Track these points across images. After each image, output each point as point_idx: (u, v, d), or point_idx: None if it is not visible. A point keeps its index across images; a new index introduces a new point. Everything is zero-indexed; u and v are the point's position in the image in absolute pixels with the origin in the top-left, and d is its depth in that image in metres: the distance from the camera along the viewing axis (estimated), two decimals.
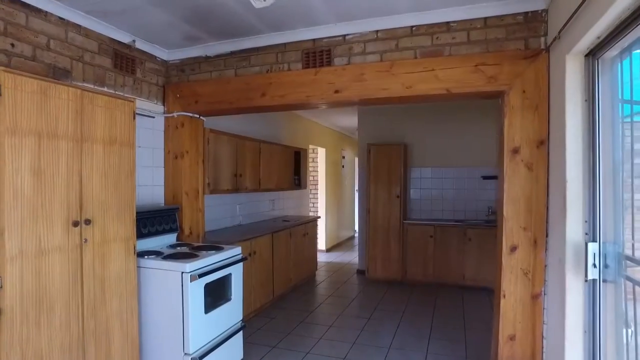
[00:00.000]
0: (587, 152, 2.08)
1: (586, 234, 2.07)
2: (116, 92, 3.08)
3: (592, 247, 1.97)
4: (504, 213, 2.65)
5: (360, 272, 6.42)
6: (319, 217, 6.69)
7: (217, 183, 4.11)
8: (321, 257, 7.67)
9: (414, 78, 2.85)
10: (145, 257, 2.78)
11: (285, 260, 5.14)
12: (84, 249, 2.20)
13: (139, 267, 2.69)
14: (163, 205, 3.63)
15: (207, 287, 2.78)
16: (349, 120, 7.94)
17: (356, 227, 10.57)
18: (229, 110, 3.52)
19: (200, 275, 2.63)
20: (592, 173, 2.04)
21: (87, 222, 2.22)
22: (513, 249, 2.63)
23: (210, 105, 3.50)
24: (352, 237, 10.38)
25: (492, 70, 2.67)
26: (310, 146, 7.90)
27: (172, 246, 3.24)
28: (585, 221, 2.08)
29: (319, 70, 3.11)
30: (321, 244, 8.35)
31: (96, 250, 2.28)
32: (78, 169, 2.17)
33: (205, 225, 4.36)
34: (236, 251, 3.22)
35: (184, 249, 3.13)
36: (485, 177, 5.81)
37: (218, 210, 4.71)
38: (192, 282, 2.59)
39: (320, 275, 6.38)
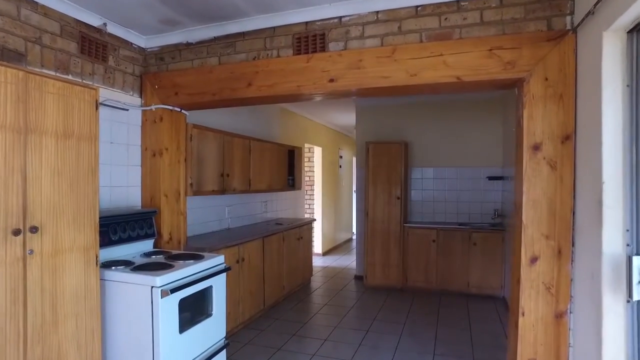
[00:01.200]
0: (629, 147, 1.74)
1: (628, 245, 1.73)
2: (84, 81, 2.73)
3: (638, 261, 1.63)
4: (523, 219, 2.31)
5: (358, 278, 6.08)
6: (315, 219, 6.34)
7: (201, 184, 3.76)
8: (317, 262, 7.32)
9: (419, 65, 2.51)
10: (113, 268, 2.42)
11: (277, 267, 4.79)
12: (29, 262, 1.84)
13: (103, 280, 2.34)
14: (140, 208, 3.28)
15: (183, 302, 2.43)
16: (346, 117, 7.59)
17: (354, 230, 10.23)
18: (212, 103, 3.17)
19: (173, 290, 2.28)
20: (636, 172, 1.71)
21: (33, 229, 1.86)
22: (533, 260, 2.29)
23: (191, 97, 3.15)
24: (350, 240, 10.04)
25: (510, 55, 2.33)
26: (306, 145, 7.55)
27: (147, 254, 2.89)
28: (627, 230, 1.73)
29: (311, 56, 2.77)
30: (317, 247, 8.00)
31: (45, 263, 1.93)
32: (21, 166, 1.82)
33: (190, 230, 4.02)
34: (218, 260, 2.86)
35: (159, 258, 2.78)
36: (490, 178, 5.48)
37: (204, 213, 4.35)
38: (164, 299, 2.23)
39: (316, 281, 6.03)
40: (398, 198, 5.42)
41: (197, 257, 2.78)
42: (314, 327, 4.16)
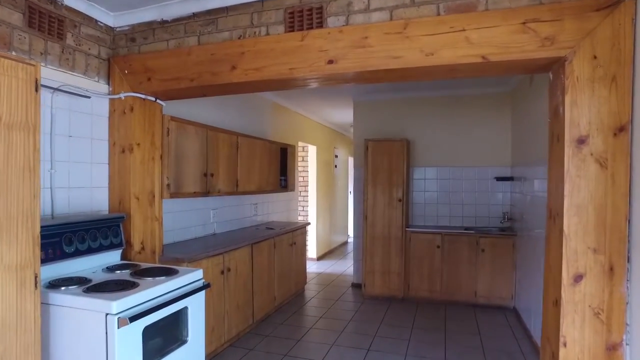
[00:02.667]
0: None
1: None
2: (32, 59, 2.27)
3: None
4: (564, 228, 1.89)
5: (356, 286, 5.65)
6: (309, 223, 5.90)
7: (180, 184, 3.30)
8: (312, 267, 6.88)
9: (436, 42, 2.09)
10: (62, 289, 1.97)
11: (268, 276, 4.34)
12: None
13: (47, 305, 1.88)
14: (107, 213, 2.82)
15: (150, 330, 1.98)
16: (343, 115, 7.17)
17: (350, 232, 9.81)
18: (190, 90, 2.72)
19: (135, 318, 1.83)
20: None
21: None
22: (578, 278, 1.87)
23: (166, 83, 2.70)
24: (345, 243, 9.61)
25: (548, 29, 1.92)
26: (300, 143, 7.11)
27: (111, 269, 2.43)
28: None
29: (306, 34, 2.33)
30: (312, 252, 7.56)
31: None
32: None
33: (169, 236, 3.58)
34: (196, 275, 2.41)
35: (124, 274, 2.32)
36: (499, 179, 5.08)
37: (186, 217, 3.90)
38: (122, 329, 1.78)
39: (310, 290, 5.58)
40: (400, 200, 5.00)
41: (170, 272, 2.33)
42: (308, 345, 3.72)
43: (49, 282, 2.01)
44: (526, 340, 3.77)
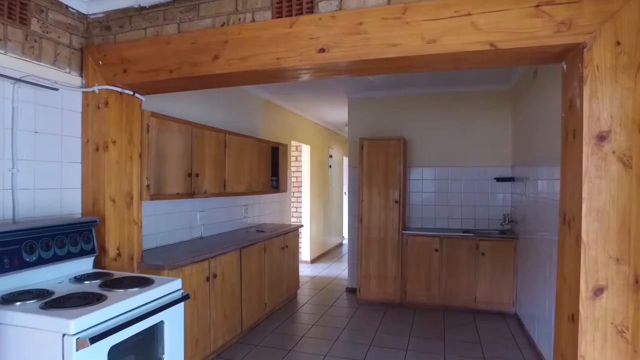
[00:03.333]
0: None
1: None
2: None
3: None
4: (582, 234, 1.69)
5: (351, 291, 5.44)
6: (302, 225, 5.68)
7: (161, 185, 3.07)
8: (305, 271, 6.67)
9: (439, 28, 1.88)
10: (17, 304, 1.74)
11: (257, 282, 4.12)
12: None
13: None
14: (80, 216, 2.59)
15: (117, 350, 1.75)
16: (337, 113, 6.96)
17: (344, 234, 9.60)
18: (169, 83, 2.50)
19: (97, 338, 1.60)
20: None
21: None
22: (598, 291, 1.67)
23: (143, 75, 2.47)
24: (340, 245, 9.40)
25: (564, 12, 1.71)
26: (293, 143, 6.89)
27: (79, 279, 2.20)
28: None
29: (295, 20, 2.12)
30: (305, 254, 7.35)
31: None
32: None
33: (151, 241, 3.37)
34: (174, 285, 2.19)
35: (92, 285, 2.09)
36: (499, 179, 4.89)
37: (170, 220, 3.67)
38: (81, 351, 1.56)
39: (303, 295, 5.37)
40: (396, 202, 4.79)
41: (145, 283, 2.10)
42: (299, 355, 3.50)
43: (1, 297, 1.78)
44: (530, 350, 3.58)
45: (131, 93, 2.70)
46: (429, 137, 5.21)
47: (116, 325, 1.71)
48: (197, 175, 3.47)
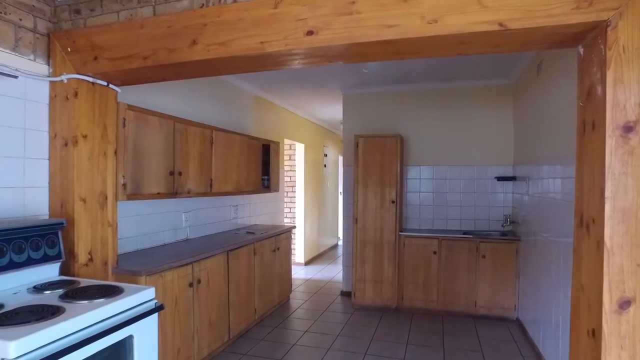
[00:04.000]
0: None
1: None
2: None
3: None
4: (606, 239, 1.48)
5: (345, 294, 5.23)
6: (294, 226, 5.45)
7: (140, 184, 2.85)
8: (298, 273, 6.45)
9: (442, 6, 1.67)
10: None
11: (246, 287, 3.90)
12: None
13: None
14: (47, 218, 2.36)
15: None
16: (332, 110, 6.75)
17: (340, 234, 9.39)
18: (145, 72, 2.27)
19: None
20: None
21: None
22: (624, 304, 1.46)
23: (115, 63, 2.25)
24: (335, 246, 9.19)
25: None
26: (287, 141, 6.67)
27: (39, 288, 1.97)
28: None
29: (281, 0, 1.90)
30: (299, 256, 7.13)
31: None
32: None
33: (131, 244, 3.16)
34: (145, 295, 1.96)
35: (52, 296, 1.86)
36: (499, 179, 4.69)
37: (152, 221, 3.44)
38: None
39: (296, 299, 5.15)
40: (393, 202, 4.58)
41: (113, 292, 1.88)
42: None
43: None
44: (534, 358, 3.38)
45: (105, 84, 2.48)
46: (427, 135, 5.01)
47: (72, 344, 1.49)
48: (180, 173, 3.24)
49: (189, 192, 3.38)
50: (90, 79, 2.37)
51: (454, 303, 4.44)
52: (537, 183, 3.61)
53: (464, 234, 4.59)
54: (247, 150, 4.35)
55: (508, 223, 4.55)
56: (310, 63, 2.14)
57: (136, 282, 2.52)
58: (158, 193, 3.01)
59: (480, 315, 4.38)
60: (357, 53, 1.96)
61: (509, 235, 4.38)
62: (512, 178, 4.60)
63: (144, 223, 3.34)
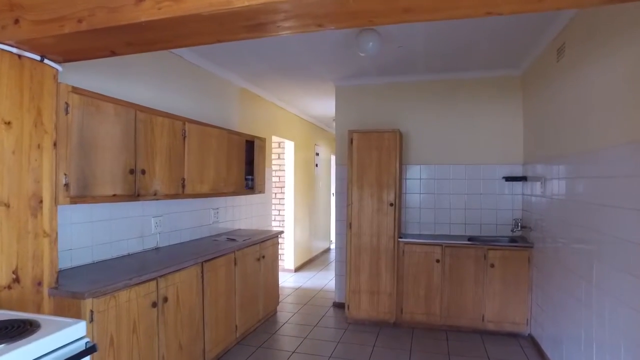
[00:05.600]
0: None
1: None
2: None
3: None
4: None
5: (338, 306, 4.75)
6: (282, 231, 4.96)
7: (89, 184, 2.34)
8: (287, 281, 5.97)
9: None
10: None
11: (225, 302, 3.41)
12: None
13: None
14: None
15: None
16: (324, 106, 6.28)
17: (332, 238, 8.92)
18: (81, 40, 1.78)
19: None
20: None
21: None
22: None
23: (42, 27, 1.75)
24: (328, 250, 8.71)
25: None
26: (275, 139, 6.19)
27: None
28: None
29: None
30: (288, 262, 6.65)
31: None
32: None
33: (82, 256, 2.67)
34: (70, 334, 1.47)
35: None
36: (508, 179, 4.26)
37: (112, 228, 2.94)
38: None
39: (285, 311, 4.66)
40: (391, 205, 4.12)
41: (22, 332, 1.38)
42: None
43: None
44: None
45: (37, 58, 1.98)
46: (428, 131, 4.56)
47: None
48: (143, 171, 2.74)
49: (155, 194, 2.88)
50: (14, 50, 1.87)
51: (460, 317, 3.99)
52: (556, 183, 3.17)
53: (470, 239, 4.14)
54: (228, 146, 3.86)
55: (518, 228, 4.11)
56: (294, 28, 1.66)
57: (78, 308, 2.02)
58: (114, 195, 2.50)
59: (489, 330, 3.93)
60: (356, 12, 1.49)
61: (520, 242, 3.94)
62: (522, 178, 4.16)
63: (102, 230, 2.84)
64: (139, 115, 2.71)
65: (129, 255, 3.07)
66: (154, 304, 2.54)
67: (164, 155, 2.97)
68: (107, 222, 2.89)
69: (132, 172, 2.64)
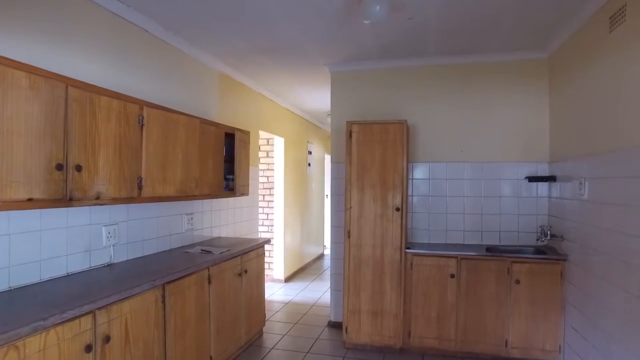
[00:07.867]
0: None
1: None
2: None
3: None
4: None
5: (334, 326, 4.11)
6: (269, 239, 4.27)
7: None
8: (277, 294, 5.32)
9: None
10: None
11: (196, 330, 2.74)
12: None
13: None
14: None
15: None
16: (318, 99, 5.65)
17: (326, 243, 8.29)
18: None
19: None
20: None
21: None
22: None
23: None
24: (321, 257, 8.07)
25: None
26: (263, 134, 5.53)
27: None
28: None
29: None
30: (277, 272, 6.00)
31: None
32: None
33: (7, 277, 1.94)
34: None
35: None
36: (532, 179, 3.66)
37: (43, 241, 2.25)
38: None
39: (272, 333, 4.00)
40: (398, 209, 3.48)
41: None
42: None
43: None
44: None
45: None
46: (438, 123, 3.93)
47: None
48: (78, 167, 2.07)
49: (97, 198, 2.20)
50: None
51: (478, 342, 3.36)
52: (603, 184, 2.56)
53: (488, 250, 3.53)
54: (201, 138, 3.19)
55: (546, 236, 3.49)
56: None
57: None
58: (29, 200, 1.82)
59: (513, 358, 3.32)
60: None
61: (550, 253, 3.33)
62: (550, 178, 3.56)
63: (26, 245, 2.16)
64: (72, 93, 2.03)
65: (67, 276, 2.39)
66: (89, 348, 1.87)
67: (112, 147, 2.30)
68: (35, 233, 2.20)
69: (60, 167, 1.96)
